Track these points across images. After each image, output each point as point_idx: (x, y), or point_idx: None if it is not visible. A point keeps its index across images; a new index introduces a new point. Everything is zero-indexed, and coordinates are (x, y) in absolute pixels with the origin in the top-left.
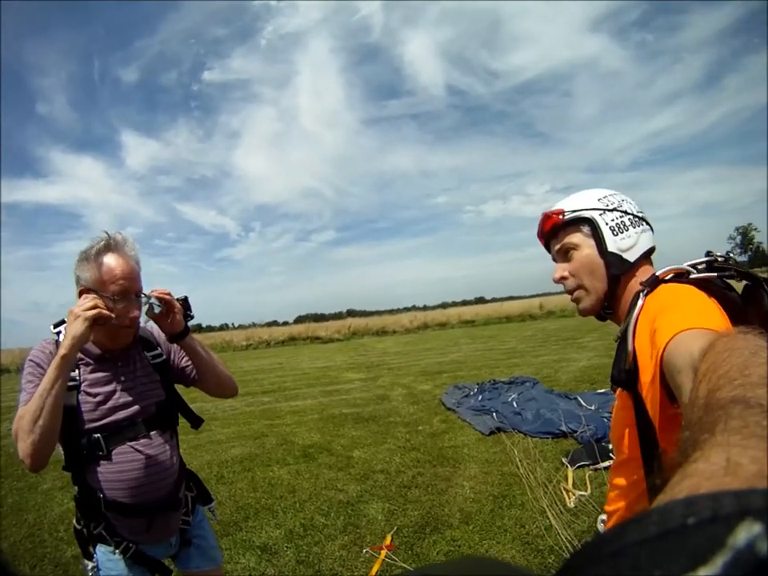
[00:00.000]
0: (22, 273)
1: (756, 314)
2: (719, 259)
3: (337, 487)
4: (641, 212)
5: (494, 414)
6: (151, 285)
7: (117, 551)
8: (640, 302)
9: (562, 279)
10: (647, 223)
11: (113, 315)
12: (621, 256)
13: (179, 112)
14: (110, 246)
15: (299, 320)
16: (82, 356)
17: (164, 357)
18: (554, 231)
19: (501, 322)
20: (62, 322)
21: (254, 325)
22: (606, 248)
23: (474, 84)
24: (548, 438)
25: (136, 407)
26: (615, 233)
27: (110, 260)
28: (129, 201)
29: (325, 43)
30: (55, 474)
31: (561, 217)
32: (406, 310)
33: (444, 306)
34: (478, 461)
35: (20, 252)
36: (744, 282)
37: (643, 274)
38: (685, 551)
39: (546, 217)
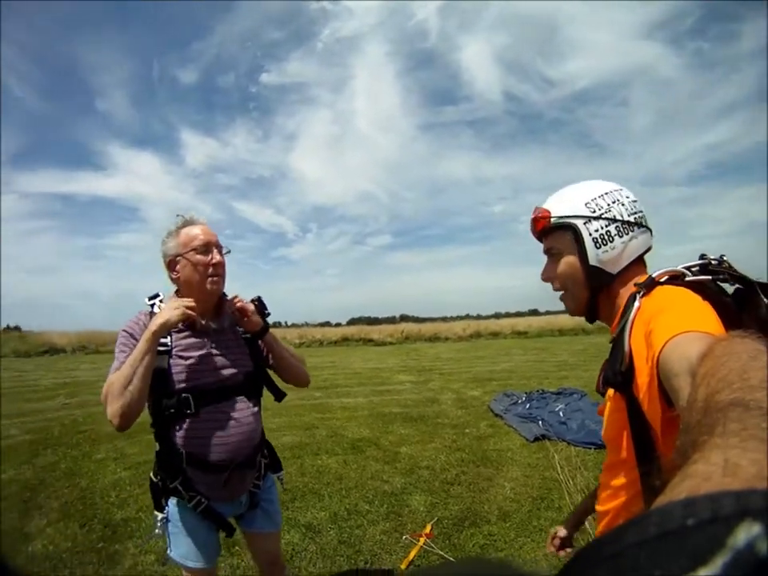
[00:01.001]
0: (76, 261)
1: (751, 319)
2: (713, 262)
3: (382, 478)
4: (635, 213)
5: (540, 421)
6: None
7: (189, 505)
8: (636, 304)
9: (548, 280)
10: (642, 225)
11: (196, 316)
12: (602, 269)
13: (237, 113)
14: (187, 221)
15: (352, 322)
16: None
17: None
18: (543, 233)
19: (553, 335)
20: (156, 295)
21: (306, 324)
22: (588, 261)
23: (530, 91)
24: (590, 448)
25: (225, 373)
26: (598, 245)
27: (187, 229)
28: (186, 197)
29: (381, 47)
30: (109, 446)
31: (548, 221)
32: (459, 318)
33: (497, 316)
34: (521, 464)
35: (75, 241)
36: (735, 286)
37: (632, 277)
38: (685, 552)
39: (535, 220)
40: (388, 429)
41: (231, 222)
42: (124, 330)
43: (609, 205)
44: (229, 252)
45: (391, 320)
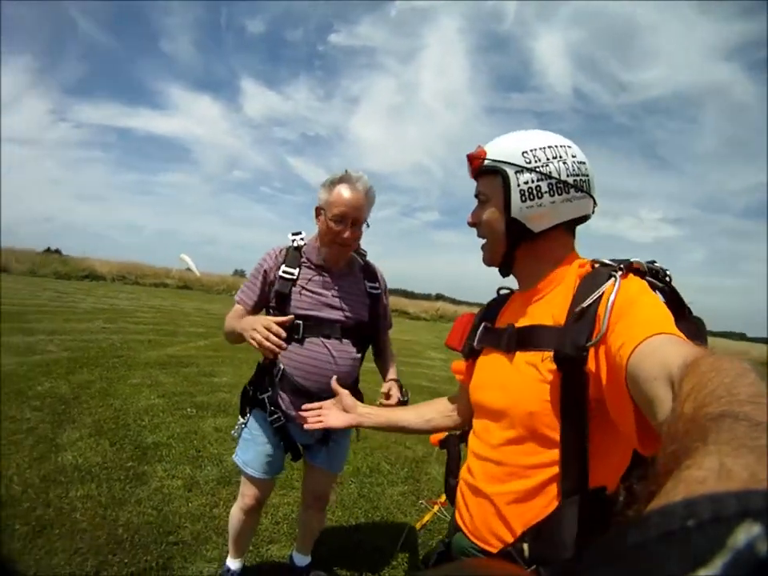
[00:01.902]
0: (123, 194)
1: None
2: (660, 271)
3: (405, 444)
4: (576, 175)
5: None
6: (252, 226)
7: (268, 419)
8: (618, 282)
9: (472, 225)
10: (581, 190)
11: (276, 350)
12: (523, 224)
13: (301, 69)
14: (345, 178)
15: (388, 292)
16: (307, 261)
17: (379, 291)
18: (477, 174)
19: None
20: (299, 233)
21: None
22: (510, 212)
23: (600, 92)
24: None
25: (339, 313)
26: (524, 198)
27: (341, 188)
28: (241, 145)
29: (454, 23)
30: (144, 373)
31: (481, 162)
32: None
33: None
34: None
35: (126, 175)
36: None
37: (557, 243)
38: (685, 553)
39: (471, 157)
40: (415, 400)
41: (282, 176)
42: (259, 262)
43: (548, 159)
44: (368, 227)
45: (426, 297)
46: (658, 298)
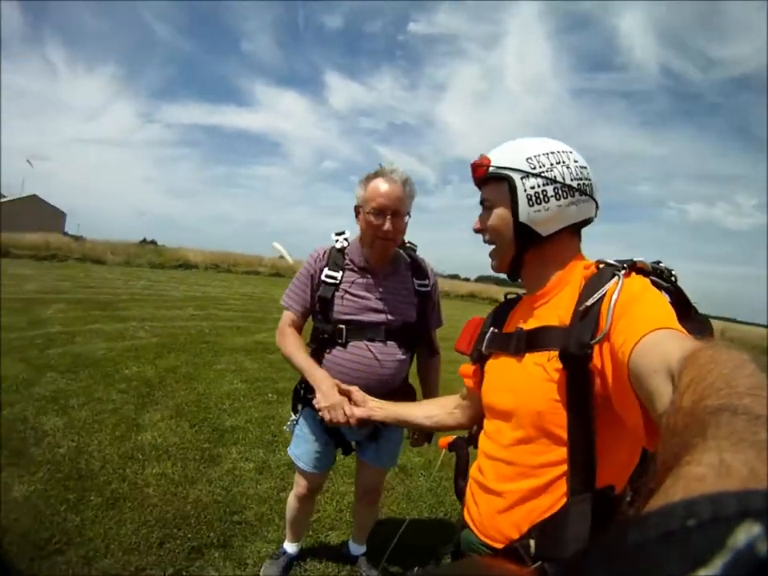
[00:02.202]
0: (214, 188)
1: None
2: (665, 272)
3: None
4: (580, 179)
5: None
6: (343, 215)
7: (317, 417)
8: (621, 281)
9: (478, 231)
10: (585, 194)
11: (341, 420)
12: (531, 228)
13: (383, 60)
14: (380, 172)
15: (481, 279)
16: (350, 262)
17: (429, 289)
18: (481, 181)
19: None
20: (342, 232)
21: (437, 275)
22: (518, 217)
23: (688, 69)
24: None
25: (383, 316)
26: (531, 203)
27: (377, 182)
28: (329, 137)
29: (534, 5)
30: (230, 359)
31: (486, 170)
32: None
33: None
34: None
35: (215, 169)
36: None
37: (564, 246)
38: (685, 552)
39: (474, 166)
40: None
41: (371, 165)
42: (303, 266)
43: (552, 164)
44: (409, 216)
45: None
46: (662, 295)
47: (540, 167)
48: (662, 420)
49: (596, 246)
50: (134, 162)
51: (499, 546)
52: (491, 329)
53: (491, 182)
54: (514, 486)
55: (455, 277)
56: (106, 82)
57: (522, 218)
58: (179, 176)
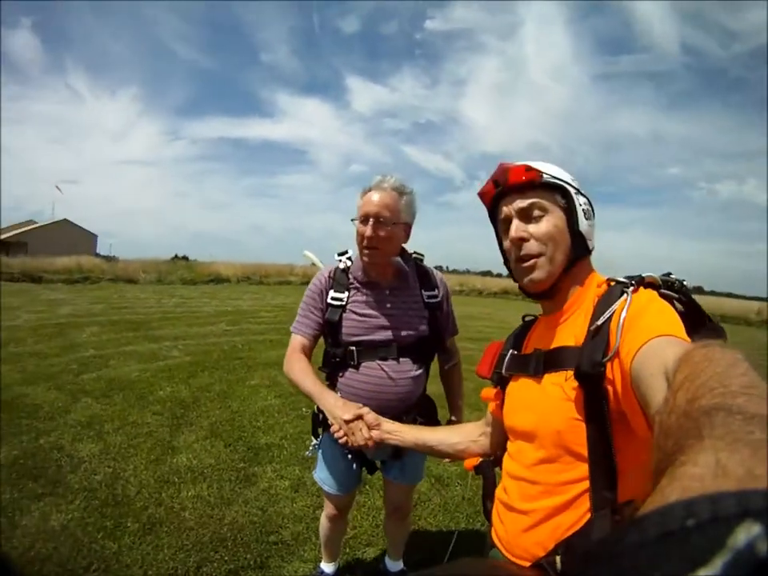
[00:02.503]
0: (246, 199)
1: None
2: (676, 283)
3: None
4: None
5: None
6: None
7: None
8: (629, 298)
9: (523, 240)
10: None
11: (360, 443)
12: (586, 240)
13: (403, 59)
14: (373, 186)
15: None
16: (354, 281)
17: (439, 299)
18: (523, 187)
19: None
20: (345, 252)
21: (468, 271)
22: (578, 227)
23: (710, 44)
24: None
25: (393, 333)
26: (586, 216)
27: (369, 194)
28: (355, 141)
29: None
30: (263, 374)
31: (539, 175)
32: None
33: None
34: None
35: (245, 181)
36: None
37: (587, 265)
38: (685, 552)
39: (526, 168)
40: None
41: (399, 166)
42: (308, 290)
43: (579, 188)
44: (395, 224)
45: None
46: (667, 305)
47: (581, 190)
48: (656, 418)
49: (629, 232)
50: (164, 179)
51: (526, 563)
52: (510, 351)
53: (542, 189)
54: (538, 505)
55: (487, 273)
56: (129, 103)
57: (582, 227)
58: (211, 190)
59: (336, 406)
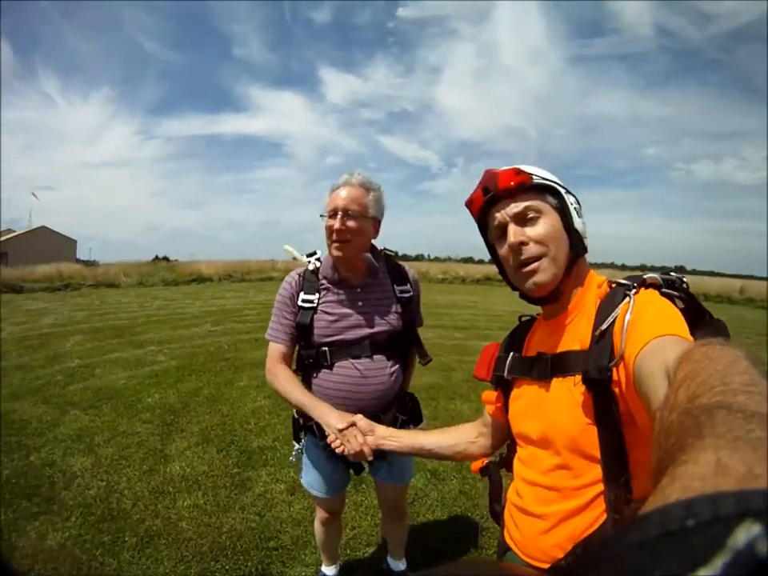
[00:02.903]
0: (223, 195)
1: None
2: (677, 282)
3: None
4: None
5: None
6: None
7: (321, 443)
8: (631, 302)
9: (523, 244)
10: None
11: (356, 449)
12: (582, 237)
13: (376, 48)
14: (340, 183)
15: None
16: (324, 281)
17: (411, 294)
18: (514, 191)
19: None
20: (314, 253)
21: (449, 259)
22: (573, 225)
23: (685, 26)
24: None
25: (366, 330)
26: (578, 214)
27: (337, 191)
28: (330, 132)
29: None
30: (251, 374)
31: (530, 178)
32: (604, 266)
33: (643, 268)
34: None
35: (222, 177)
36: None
37: (584, 264)
38: (685, 552)
39: (515, 171)
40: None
41: (375, 156)
42: (279, 294)
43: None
44: (364, 217)
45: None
46: (669, 303)
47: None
48: (656, 416)
49: (609, 213)
50: (139, 179)
51: (544, 566)
52: (511, 353)
53: (533, 191)
54: (555, 508)
55: (469, 260)
56: (102, 105)
57: (577, 225)
58: (187, 188)
59: (329, 416)
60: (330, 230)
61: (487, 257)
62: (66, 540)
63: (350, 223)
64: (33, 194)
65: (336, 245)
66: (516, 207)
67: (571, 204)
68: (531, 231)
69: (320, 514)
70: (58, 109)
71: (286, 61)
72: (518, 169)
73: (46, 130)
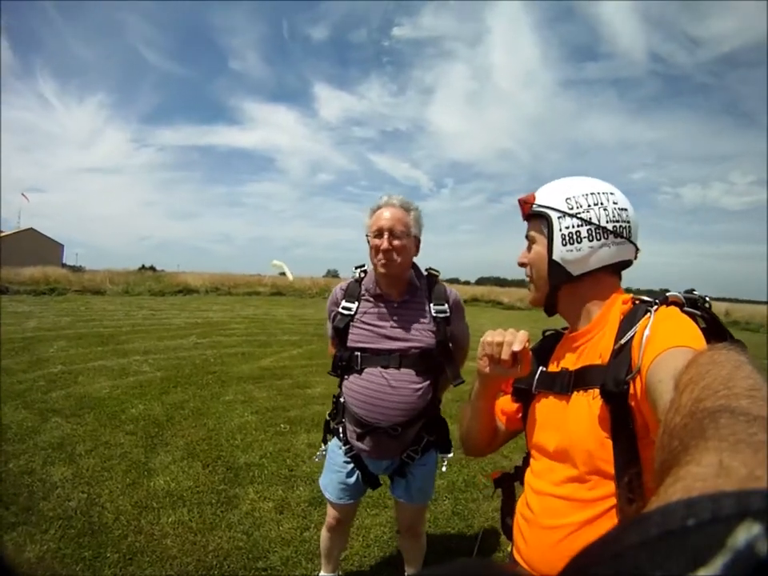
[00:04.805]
0: (215, 208)
1: None
2: (699, 301)
3: (503, 453)
4: (616, 222)
5: None
6: (342, 225)
7: (343, 447)
8: (651, 317)
9: (521, 266)
10: (621, 236)
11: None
12: (563, 267)
13: (371, 67)
14: (381, 204)
15: (481, 281)
16: (365, 293)
17: (448, 314)
18: (526, 218)
19: None
20: (362, 265)
21: None
22: (551, 255)
23: (675, 51)
24: None
25: (397, 344)
26: (564, 242)
27: (380, 211)
28: (322, 149)
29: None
30: (238, 389)
31: (529, 207)
32: None
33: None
34: None
35: (214, 189)
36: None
37: (601, 286)
38: (685, 552)
39: (522, 201)
40: None
41: (366, 174)
42: (326, 306)
43: (589, 206)
44: (407, 236)
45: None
46: (687, 319)
47: (577, 208)
48: (661, 417)
49: None
50: (131, 187)
51: None
52: (539, 368)
53: (534, 218)
54: (567, 520)
55: (455, 281)
56: (97, 110)
57: (555, 256)
58: (179, 198)
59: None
60: (376, 249)
61: (472, 277)
62: (44, 553)
63: (396, 242)
64: (23, 194)
65: (383, 262)
66: (527, 231)
67: (560, 230)
68: (526, 255)
69: (327, 520)
70: (53, 111)
71: (281, 76)
72: (526, 198)
73: (40, 132)
